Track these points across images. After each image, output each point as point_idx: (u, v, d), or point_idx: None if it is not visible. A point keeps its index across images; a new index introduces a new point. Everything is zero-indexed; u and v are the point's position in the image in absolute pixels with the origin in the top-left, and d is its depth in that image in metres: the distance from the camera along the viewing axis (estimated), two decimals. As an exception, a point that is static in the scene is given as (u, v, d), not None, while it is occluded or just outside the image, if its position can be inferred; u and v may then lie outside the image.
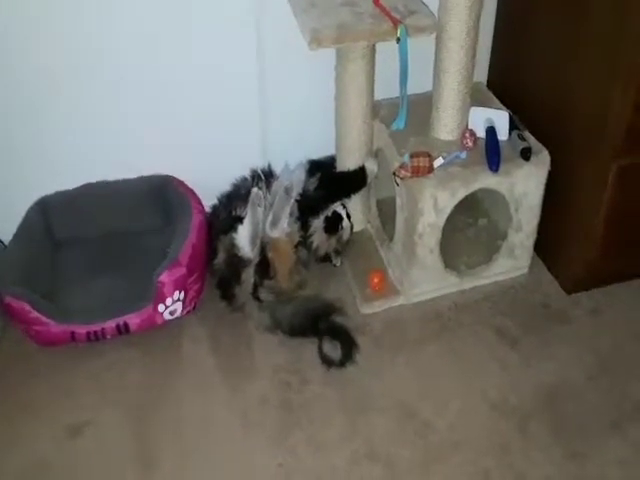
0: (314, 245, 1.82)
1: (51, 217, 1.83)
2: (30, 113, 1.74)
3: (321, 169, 1.84)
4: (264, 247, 1.72)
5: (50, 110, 1.75)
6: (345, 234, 1.86)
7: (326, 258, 1.87)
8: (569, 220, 1.75)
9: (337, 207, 1.83)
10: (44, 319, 1.59)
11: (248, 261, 1.70)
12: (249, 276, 1.71)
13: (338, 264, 1.89)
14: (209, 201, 1.86)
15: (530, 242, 1.82)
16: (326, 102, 1.78)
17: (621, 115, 1.49)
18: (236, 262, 1.70)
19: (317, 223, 1.81)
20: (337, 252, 1.88)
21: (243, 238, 1.69)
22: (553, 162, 1.69)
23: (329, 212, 1.82)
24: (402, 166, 1.62)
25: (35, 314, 1.58)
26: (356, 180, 1.82)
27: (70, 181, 1.85)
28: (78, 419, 1.55)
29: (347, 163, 1.82)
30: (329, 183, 1.82)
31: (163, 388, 1.62)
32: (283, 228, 1.73)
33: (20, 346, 1.69)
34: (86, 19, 1.64)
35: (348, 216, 1.85)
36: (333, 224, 1.82)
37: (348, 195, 1.85)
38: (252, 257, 1.70)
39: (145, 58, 1.73)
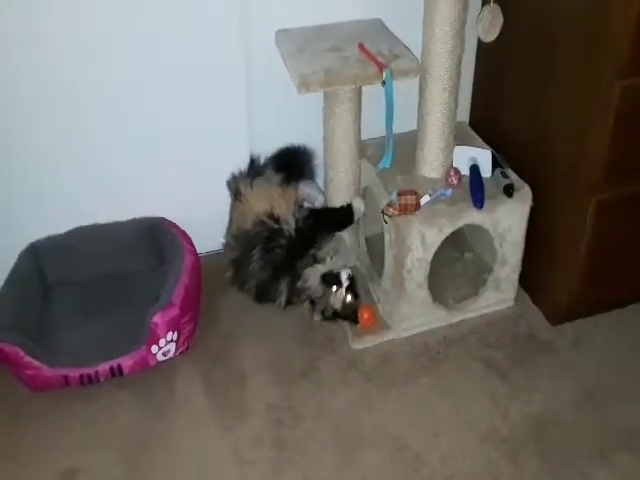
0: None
1: (42, 261, 1.82)
2: (19, 160, 1.75)
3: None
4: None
5: (39, 157, 1.76)
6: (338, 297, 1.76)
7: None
8: (552, 253, 1.78)
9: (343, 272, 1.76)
10: (36, 363, 1.58)
11: None
12: None
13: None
14: (200, 242, 1.87)
15: (515, 275, 1.85)
16: (315, 143, 1.82)
17: (598, 150, 1.53)
18: None
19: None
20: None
21: None
22: (535, 197, 1.72)
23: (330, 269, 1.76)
24: (390, 204, 1.65)
25: (28, 359, 1.57)
26: (343, 217, 1.83)
27: (61, 225, 1.84)
28: (71, 464, 1.52)
29: (335, 202, 1.84)
30: (318, 216, 1.81)
31: (156, 430, 1.60)
32: None
33: (11, 391, 1.66)
34: (81, 64, 1.66)
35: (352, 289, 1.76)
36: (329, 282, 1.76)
37: (336, 230, 1.84)
38: None
39: (134, 104, 1.75)
